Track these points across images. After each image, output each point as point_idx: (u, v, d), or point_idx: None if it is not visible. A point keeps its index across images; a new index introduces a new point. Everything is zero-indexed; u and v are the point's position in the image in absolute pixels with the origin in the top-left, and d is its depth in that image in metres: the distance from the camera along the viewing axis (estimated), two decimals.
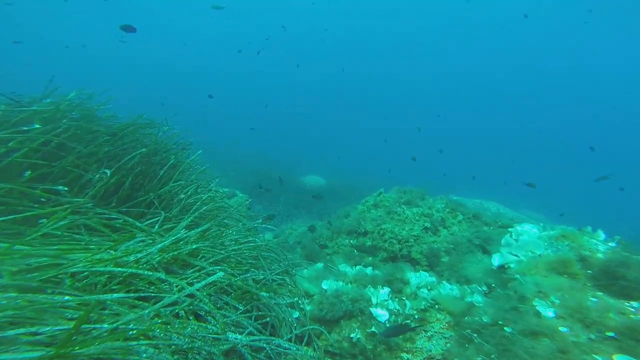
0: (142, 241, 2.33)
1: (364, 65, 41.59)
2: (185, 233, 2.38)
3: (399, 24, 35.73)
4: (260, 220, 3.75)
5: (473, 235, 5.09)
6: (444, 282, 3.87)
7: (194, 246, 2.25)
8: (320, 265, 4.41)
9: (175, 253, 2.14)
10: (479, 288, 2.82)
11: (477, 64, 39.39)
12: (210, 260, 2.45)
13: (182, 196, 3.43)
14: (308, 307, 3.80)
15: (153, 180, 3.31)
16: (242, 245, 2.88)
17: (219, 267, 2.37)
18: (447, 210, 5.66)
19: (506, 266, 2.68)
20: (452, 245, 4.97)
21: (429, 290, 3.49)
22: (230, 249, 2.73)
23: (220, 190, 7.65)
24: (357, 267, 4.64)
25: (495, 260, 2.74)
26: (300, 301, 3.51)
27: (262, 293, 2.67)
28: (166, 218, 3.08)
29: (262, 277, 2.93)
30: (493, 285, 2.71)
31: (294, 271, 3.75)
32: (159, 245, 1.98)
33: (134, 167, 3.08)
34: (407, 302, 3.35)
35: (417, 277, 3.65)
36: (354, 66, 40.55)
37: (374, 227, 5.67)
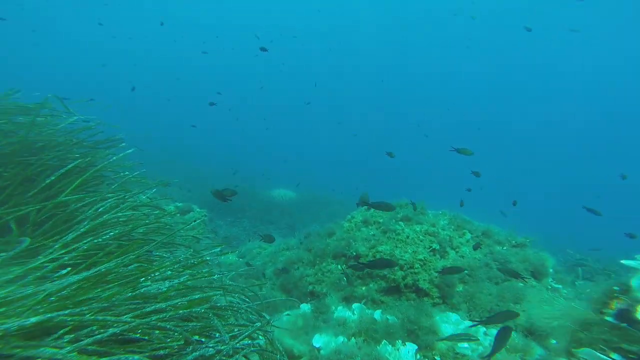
0: None
1: (334, 71, 41.04)
2: (28, 288, 1.08)
3: (368, 28, 35.92)
4: (219, 250, 2.47)
5: (489, 258, 4.24)
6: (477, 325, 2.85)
7: (32, 320, 0.96)
8: (306, 307, 3.19)
9: None
10: (600, 355, 1.85)
11: (459, 70, 40.07)
12: (84, 342, 1.11)
13: (91, 213, 2.07)
14: None
15: (31, 190, 1.92)
16: (179, 300, 1.58)
17: None
18: (452, 227, 4.79)
19: None
20: (465, 271, 4.05)
21: (467, 341, 2.43)
22: (150, 307, 1.41)
23: (164, 207, 6.10)
24: (356, 305, 3.49)
25: None
26: None
27: None
28: (42, 248, 1.71)
29: (215, 350, 1.65)
30: None
31: (270, 327, 2.49)
32: None
33: None
34: None
35: (449, 323, 2.59)
36: (324, 71, 39.87)
37: (367, 249, 4.59)
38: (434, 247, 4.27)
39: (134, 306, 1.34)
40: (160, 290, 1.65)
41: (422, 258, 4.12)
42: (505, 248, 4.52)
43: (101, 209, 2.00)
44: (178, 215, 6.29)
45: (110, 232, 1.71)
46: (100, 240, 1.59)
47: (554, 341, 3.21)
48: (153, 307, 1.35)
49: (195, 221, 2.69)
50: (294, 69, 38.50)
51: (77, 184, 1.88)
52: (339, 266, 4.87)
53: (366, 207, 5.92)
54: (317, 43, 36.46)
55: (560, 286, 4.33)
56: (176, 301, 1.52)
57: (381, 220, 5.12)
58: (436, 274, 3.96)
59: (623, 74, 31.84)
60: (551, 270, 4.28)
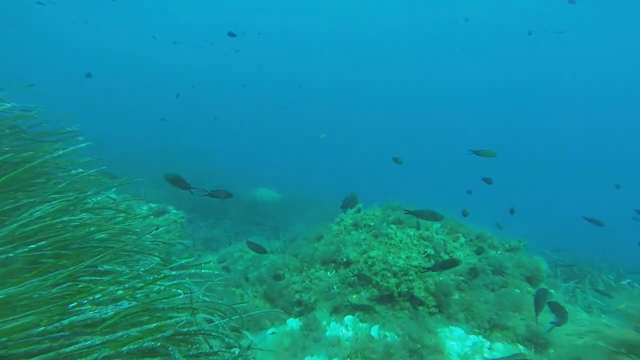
0: None
1: (316, 73, 40.16)
2: None
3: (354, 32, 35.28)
4: (192, 258, 2.10)
5: (484, 263, 4.06)
6: (480, 338, 2.63)
7: None
8: (293, 323, 2.86)
9: None
10: None
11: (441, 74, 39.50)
12: None
13: (25, 217, 1.65)
14: None
15: None
16: (122, 333, 1.21)
17: None
18: (446, 231, 4.60)
19: None
20: (461, 277, 3.84)
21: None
22: (71, 347, 1.03)
23: (136, 208, 5.56)
24: (349, 318, 3.18)
25: None
26: None
27: None
28: None
29: None
30: None
31: (252, 350, 2.13)
32: None
33: None
34: None
35: (453, 339, 2.34)
36: (316, 72, 38.98)
37: (358, 254, 4.31)
38: (428, 252, 4.05)
39: (50, 344, 0.96)
40: (104, 316, 1.26)
41: (417, 264, 3.87)
42: (499, 252, 4.37)
43: (38, 212, 1.58)
44: (152, 217, 5.77)
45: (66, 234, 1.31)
46: (19, 252, 1.19)
47: (552, 351, 3.05)
48: (80, 344, 0.98)
49: (156, 229, 2.25)
50: (291, 68, 37.44)
51: (1, 182, 1.46)
52: (328, 272, 4.55)
53: (355, 209, 5.64)
54: (312, 44, 35.48)
55: (553, 291, 4.23)
56: (120, 334, 1.15)
57: (372, 224, 4.85)
58: (432, 282, 3.73)
59: (622, 75, 32.12)
60: (544, 274, 4.17)
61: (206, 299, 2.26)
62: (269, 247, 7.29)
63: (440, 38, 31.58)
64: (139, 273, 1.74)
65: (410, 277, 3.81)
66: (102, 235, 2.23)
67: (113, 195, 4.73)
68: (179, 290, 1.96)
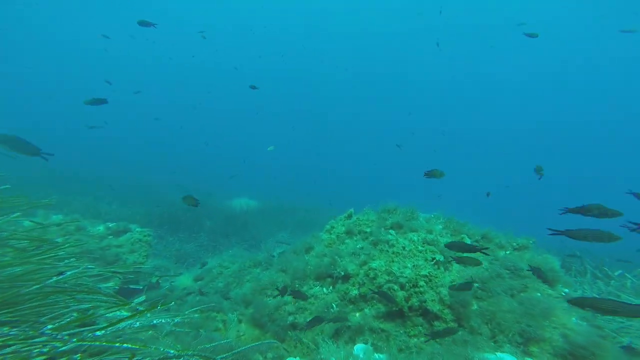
0: None
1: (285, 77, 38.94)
2: None
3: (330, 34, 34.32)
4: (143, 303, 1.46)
5: (497, 266, 3.68)
6: None
7: None
8: None
9: None
10: None
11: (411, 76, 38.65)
12: None
13: None
14: None
15: None
16: None
17: None
18: (449, 232, 4.19)
19: None
20: (476, 284, 3.43)
21: None
22: None
23: (89, 228, 4.69)
24: (359, 347, 2.62)
25: None
26: None
27: None
28: None
29: None
30: None
31: None
32: None
33: None
34: None
35: None
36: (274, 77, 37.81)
37: (358, 266, 3.77)
38: (436, 258, 3.60)
39: None
40: None
41: (427, 273, 3.41)
42: (508, 252, 4.03)
43: None
44: (110, 237, 4.89)
45: None
46: None
47: None
48: None
49: (59, 274, 1.55)
50: (271, 67, 35.86)
51: None
52: (324, 288, 3.97)
53: (346, 215, 5.10)
54: (296, 43, 34.20)
55: (567, 290, 3.94)
56: None
57: (368, 230, 4.35)
58: (446, 292, 3.28)
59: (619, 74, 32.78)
60: (560, 274, 3.86)
61: (171, 351, 1.61)
62: (251, 260, 6.58)
63: (426, 34, 30.90)
64: (42, 332, 1.08)
65: (421, 289, 3.33)
66: (19, 270, 1.52)
67: (58, 217, 3.86)
68: (124, 345, 1.32)
